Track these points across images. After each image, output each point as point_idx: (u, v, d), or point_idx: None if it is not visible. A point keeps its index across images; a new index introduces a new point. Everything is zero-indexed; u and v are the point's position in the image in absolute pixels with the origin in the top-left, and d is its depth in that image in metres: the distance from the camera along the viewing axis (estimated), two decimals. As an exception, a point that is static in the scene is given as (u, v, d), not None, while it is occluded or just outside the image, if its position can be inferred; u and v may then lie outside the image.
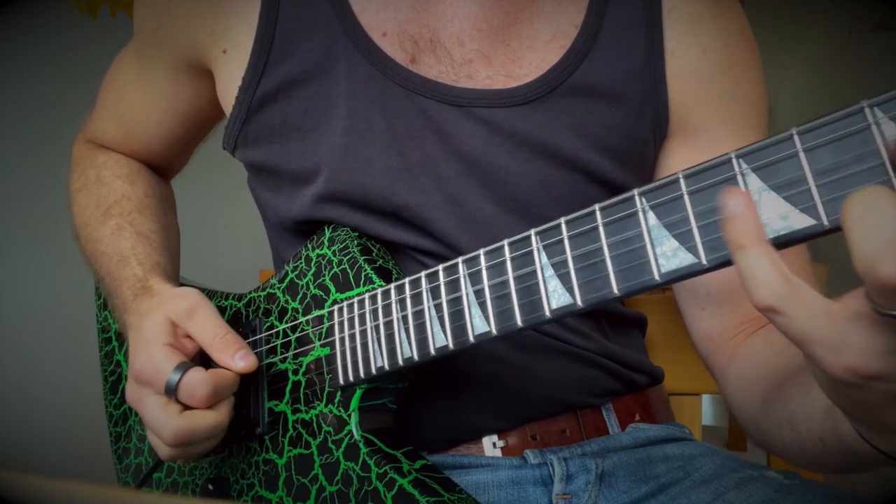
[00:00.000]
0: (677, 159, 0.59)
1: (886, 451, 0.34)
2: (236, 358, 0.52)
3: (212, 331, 0.53)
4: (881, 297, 0.26)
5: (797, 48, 3.08)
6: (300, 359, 0.55)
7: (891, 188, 0.26)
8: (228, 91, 0.59)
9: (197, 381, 0.50)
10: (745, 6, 0.60)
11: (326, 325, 0.53)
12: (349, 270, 0.53)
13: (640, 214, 0.35)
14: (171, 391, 0.50)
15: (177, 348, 0.52)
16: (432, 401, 0.56)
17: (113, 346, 0.73)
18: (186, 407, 0.51)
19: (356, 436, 0.50)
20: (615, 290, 0.36)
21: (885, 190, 0.26)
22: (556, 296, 0.38)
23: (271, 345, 0.57)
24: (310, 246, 0.58)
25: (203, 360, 0.54)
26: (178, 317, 0.53)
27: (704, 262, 0.33)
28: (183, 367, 0.50)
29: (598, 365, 0.59)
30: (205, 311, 0.53)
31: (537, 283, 0.39)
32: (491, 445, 0.57)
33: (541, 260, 0.39)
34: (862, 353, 0.28)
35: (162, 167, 0.76)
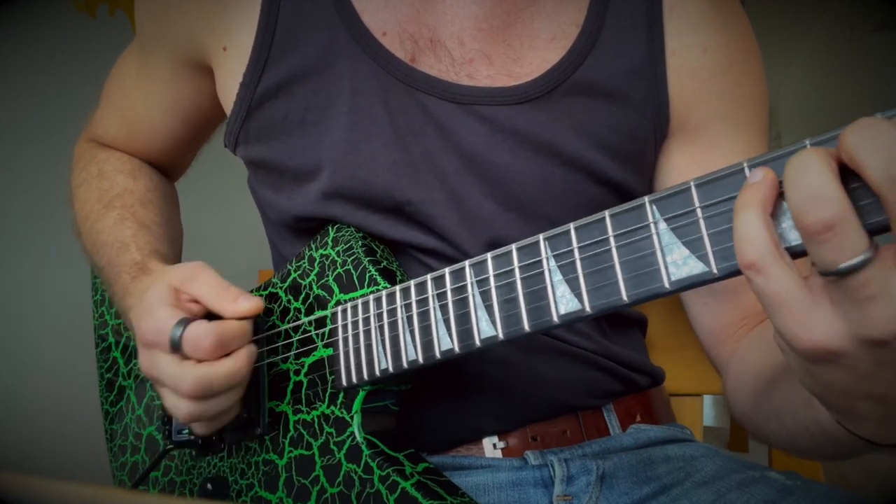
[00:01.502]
0: (678, 159, 0.59)
1: (865, 437, 0.35)
2: (239, 301, 0.50)
3: (214, 288, 0.51)
4: (811, 247, 0.28)
5: (798, 47, 3.08)
6: (302, 359, 0.54)
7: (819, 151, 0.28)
8: (229, 88, 0.59)
9: (200, 332, 0.48)
10: (746, 5, 0.60)
11: (329, 326, 0.52)
12: (353, 271, 0.53)
13: (651, 222, 0.35)
14: (176, 345, 0.49)
15: (180, 308, 0.51)
16: (433, 402, 0.56)
17: (109, 343, 0.72)
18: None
19: (359, 438, 0.50)
20: (624, 298, 0.35)
21: (813, 155, 0.28)
22: (564, 301, 0.38)
23: (273, 345, 0.57)
24: (313, 246, 0.57)
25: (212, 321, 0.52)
26: (181, 281, 0.52)
27: (715, 270, 0.33)
28: (185, 322, 0.49)
29: (600, 366, 0.59)
30: (206, 273, 0.52)
31: (545, 288, 0.39)
32: (491, 446, 0.57)
33: (549, 265, 0.39)
34: (827, 331, 0.29)
35: (165, 167, 0.75)
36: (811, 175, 0.28)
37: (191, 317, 0.50)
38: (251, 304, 0.51)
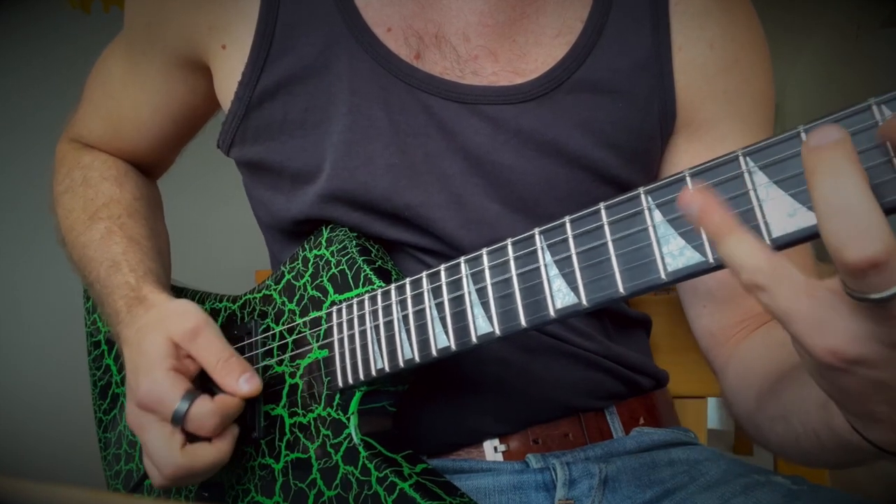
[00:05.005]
0: (684, 156, 0.58)
1: (878, 444, 0.34)
2: (241, 381, 0.51)
3: (216, 354, 0.52)
4: (850, 281, 0.26)
5: (805, 44, 3.07)
6: (297, 361, 0.54)
7: (860, 171, 0.26)
8: (227, 87, 0.58)
9: (206, 412, 0.49)
10: (753, 1, 0.59)
11: (324, 326, 0.52)
12: (348, 271, 0.52)
13: (646, 213, 0.34)
14: (179, 421, 0.49)
15: (180, 371, 0.51)
16: (432, 404, 0.55)
17: (102, 350, 0.72)
18: (191, 436, 0.50)
19: (355, 439, 0.49)
20: (621, 290, 0.35)
21: (845, 164, 0.26)
22: (560, 295, 0.38)
23: (267, 347, 0.57)
24: (307, 247, 0.57)
25: (202, 378, 0.53)
26: (182, 338, 0.52)
27: (711, 260, 0.32)
28: (191, 397, 0.49)
29: (602, 367, 0.58)
30: (208, 333, 0.52)
31: (541, 283, 0.38)
32: (492, 450, 0.56)
33: (545, 259, 0.38)
34: (843, 336, 0.28)
35: (149, 166, 0.74)
36: (849, 197, 0.25)
37: (195, 389, 0.51)
38: (253, 386, 0.51)
